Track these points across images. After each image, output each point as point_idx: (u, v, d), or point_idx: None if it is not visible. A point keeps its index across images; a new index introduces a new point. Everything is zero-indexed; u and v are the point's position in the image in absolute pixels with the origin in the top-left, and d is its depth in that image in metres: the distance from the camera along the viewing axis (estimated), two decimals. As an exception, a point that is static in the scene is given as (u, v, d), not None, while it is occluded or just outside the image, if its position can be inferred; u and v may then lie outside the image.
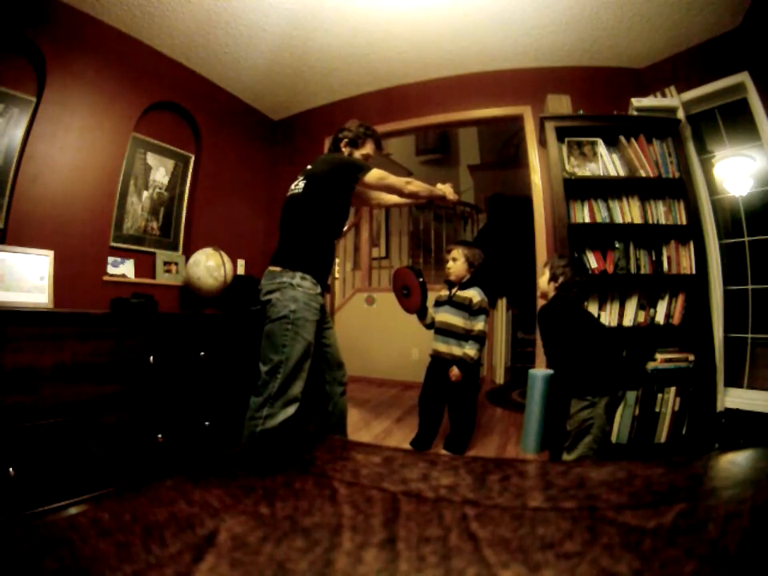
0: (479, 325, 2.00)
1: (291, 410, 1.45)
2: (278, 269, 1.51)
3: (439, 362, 2.06)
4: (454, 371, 1.97)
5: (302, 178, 1.63)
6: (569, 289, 1.63)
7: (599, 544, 0.21)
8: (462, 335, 2.01)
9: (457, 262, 2.07)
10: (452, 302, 2.06)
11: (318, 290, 1.53)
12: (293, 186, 1.65)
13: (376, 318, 3.88)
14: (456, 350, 2.00)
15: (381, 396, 3.30)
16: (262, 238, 3.21)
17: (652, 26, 2.15)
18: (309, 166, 1.66)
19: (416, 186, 1.68)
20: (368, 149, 1.76)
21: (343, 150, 1.73)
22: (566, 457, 1.53)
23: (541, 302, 1.81)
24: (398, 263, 4.69)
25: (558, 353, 1.66)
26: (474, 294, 2.03)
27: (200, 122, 2.71)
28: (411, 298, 2.10)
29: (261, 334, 1.51)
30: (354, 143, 1.73)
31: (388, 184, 1.62)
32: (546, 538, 0.22)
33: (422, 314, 2.12)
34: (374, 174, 1.59)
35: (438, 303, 2.14)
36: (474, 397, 2.12)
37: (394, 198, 1.86)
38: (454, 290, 2.09)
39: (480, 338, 2.00)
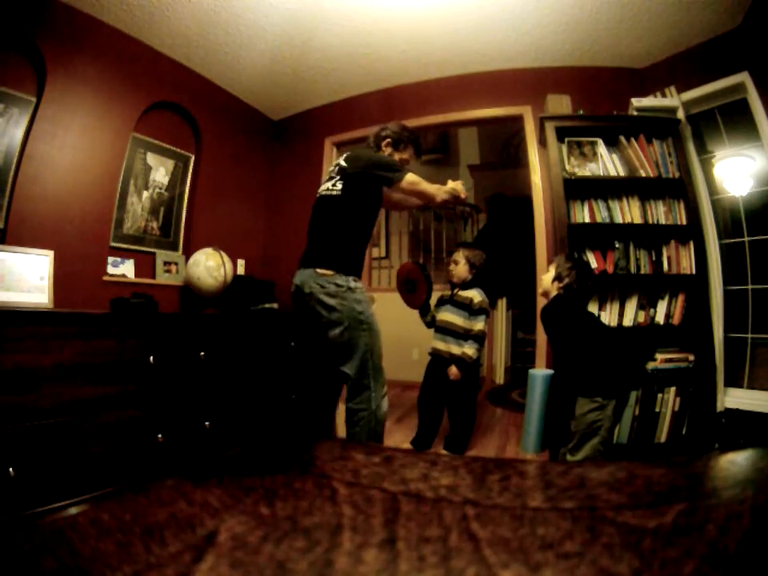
0: (479, 325, 2.00)
1: (386, 397, 1.56)
2: (329, 272, 1.49)
3: (438, 361, 2.06)
4: (453, 370, 1.97)
5: (338, 178, 1.58)
6: (573, 291, 1.62)
7: (599, 544, 0.21)
8: (462, 334, 2.02)
9: (459, 265, 2.08)
10: (453, 302, 2.07)
11: (365, 289, 1.59)
12: (329, 186, 1.60)
13: (376, 318, 3.86)
14: (454, 349, 2.01)
15: (381, 396, 3.29)
16: (262, 238, 3.21)
17: (652, 26, 2.15)
18: (342, 163, 1.61)
19: (444, 193, 1.61)
20: (407, 154, 1.74)
21: (384, 149, 1.71)
22: (570, 458, 1.53)
23: (542, 302, 1.81)
24: (398, 263, 4.68)
25: (564, 352, 1.65)
26: (476, 294, 2.04)
27: (200, 122, 2.71)
28: (416, 292, 2.12)
29: (264, 334, 1.52)
30: (397, 145, 1.71)
31: (420, 190, 1.58)
32: (546, 537, 0.22)
33: (424, 310, 2.13)
34: (409, 179, 1.54)
35: (440, 302, 2.15)
36: (474, 396, 2.13)
37: (412, 201, 1.80)
38: (456, 290, 2.10)
39: (479, 338, 2.00)
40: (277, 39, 2.35)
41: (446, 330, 2.05)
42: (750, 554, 0.20)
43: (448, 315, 2.06)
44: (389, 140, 1.70)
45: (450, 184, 1.69)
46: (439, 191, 1.61)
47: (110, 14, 2.10)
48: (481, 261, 2.10)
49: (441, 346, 2.05)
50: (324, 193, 1.61)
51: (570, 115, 2.32)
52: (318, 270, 1.51)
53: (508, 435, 2.32)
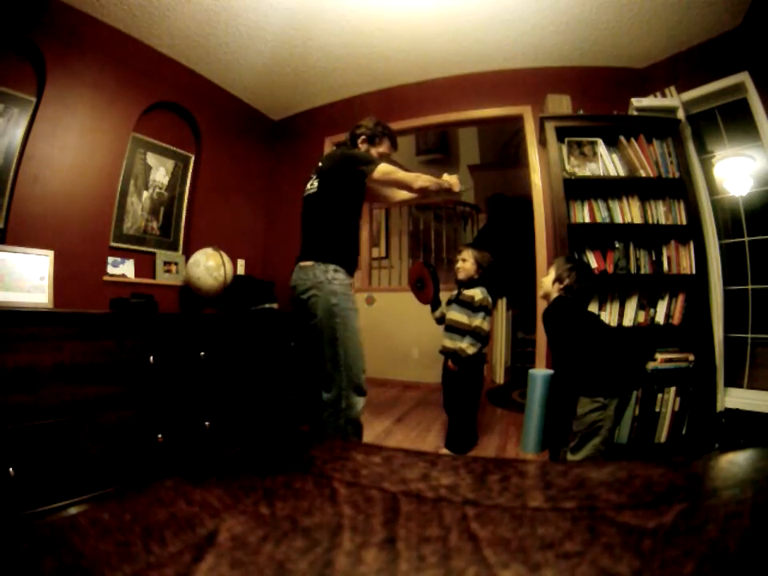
0: (476, 321, 2.03)
1: (363, 397, 1.54)
2: (309, 263, 1.56)
3: (447, 358, 2.10)
4: (449, 363, 2.04)
5: (315, 177, 1.68)
6: (573, 292, 1.62)
7: (599, 544, 0.21)
8: (466, 331, 2.05)
9: (466, 263, 2.13)
10: (458, 300, 2.11)
11: (350, 281, 1.60)
12: (308, 186, 1.70)
13: (376, 318, 3.88)
14: (452, 344, 2.05)
15: (381, 396, 3.29)
16: (262, 238, 3.21)
17: (652, 26, 2.15)
18: (319, 164, 1.71)
19: (425, 180, 1.67)
20: (384, 147, 1.80)
21: (360, 146, 1.76)
22: (570, 457, 1.53)
23: (542, 302, 1.81)
24: (398, 263, 4.69)
25: (565, 353, 1.65)
26: (477, 293, 2.07)
27: (200, 122, 2.71)
28: (425, 289, 2.24)
29: (264, 334, 1.51)
30: (372, 140, 1.77)
31: (396, 179, 1.64)
32: (546, 537, 0.22)
33: (434, 305, 2.21)
34: (381, 169, 1.60)
35: (449, 302, 2.21)
36: (472, 394, 2.13)
37: (403, 194, 1.87)
38: (461, 289, 2.14)
39: (476, 334, 2.02)
40: (277, 39, 2.35)
41: (452, 329, 2.10)
42: (750, 553, 0.20)
43: (454, 314, 2.11)
44: (363, 137, 1.76)
45: (445, 176, 1.75)
46: (417, 179, 1.65)
47: (110, 14, 2.10)
48: (488, 263, 2.15)
49: (448, 343, 2.10)
50: (305, 194, 1.71)
51: (570, 115, 2.32)
52: (301, 264, 1.59)
53: (508, 435, 2.32)
